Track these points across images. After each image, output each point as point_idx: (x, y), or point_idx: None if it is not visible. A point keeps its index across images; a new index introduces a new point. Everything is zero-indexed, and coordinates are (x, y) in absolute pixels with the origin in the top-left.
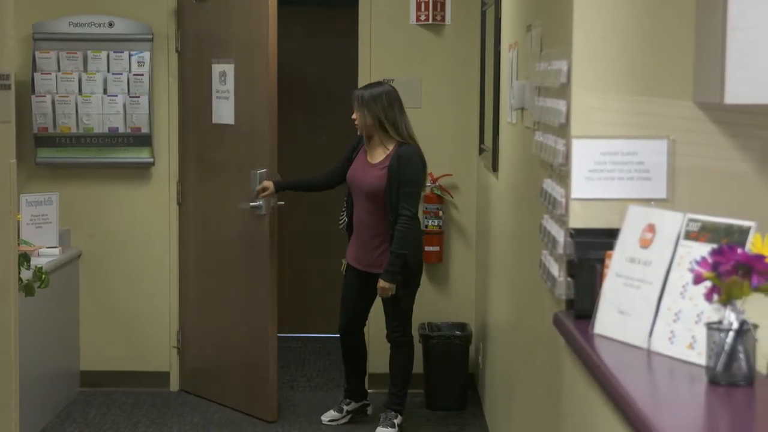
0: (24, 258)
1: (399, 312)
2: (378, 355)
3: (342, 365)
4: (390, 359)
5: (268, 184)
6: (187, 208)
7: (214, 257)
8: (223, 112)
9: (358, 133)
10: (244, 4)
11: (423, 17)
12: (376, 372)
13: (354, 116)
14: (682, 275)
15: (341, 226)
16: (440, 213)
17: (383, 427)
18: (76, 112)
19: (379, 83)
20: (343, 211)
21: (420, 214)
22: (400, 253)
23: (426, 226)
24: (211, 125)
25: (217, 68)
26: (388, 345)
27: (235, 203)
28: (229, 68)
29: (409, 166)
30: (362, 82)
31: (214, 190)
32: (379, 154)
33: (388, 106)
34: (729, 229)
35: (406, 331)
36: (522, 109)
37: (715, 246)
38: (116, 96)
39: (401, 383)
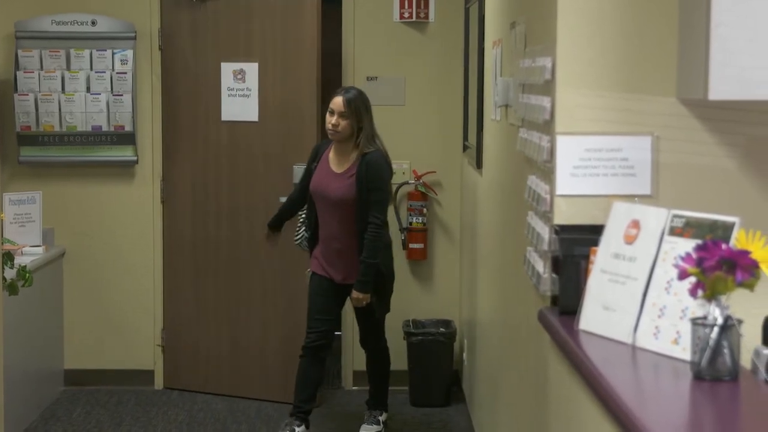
0: (8, 257)
1: (373, 321)
2: (361, 352)
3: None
4: (367, 365)
5: (267, 230)
6: (176, 206)
7: (224, 254)
8: (241, 109)
9: (335, 140)
10: (278, 3)
11: (406, 14)
12: (361, 369)
13: (335, 121)
14: (666, 271)
15: (298, 242)
16: (424, 210)
17: (368, 424)
18: (59, 110)
19: (355, 87)
20: (300, 227)
21: (404, 212)
22: (372, 262)
23: (410, 224)
24: (220, 123)
25: (230, 66)
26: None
27: (263, 198)
28: (250, 66)
29: (378, 173)
30: (346, 80)
31: (226, 186)
32: (344, 162)
33: (370, 114)
34: (713, 225)
35: (380, 337)
36: (506, 106)
37: (699, 242)
38: (99, 94)
39: (381, 385)
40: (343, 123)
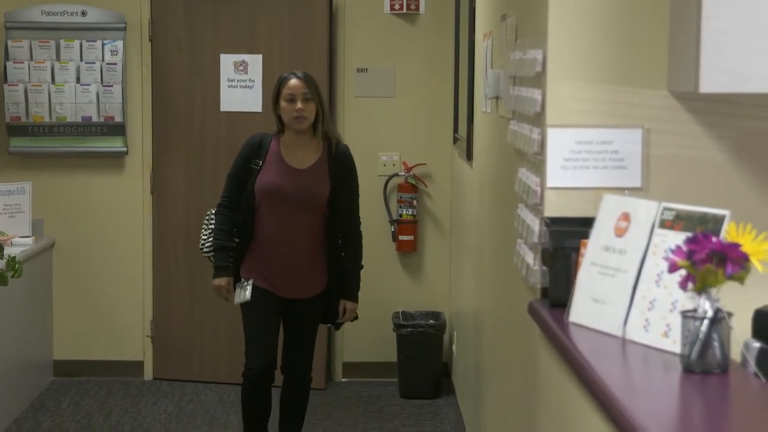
0: None
1: (313, 340)
2: (353, 342)
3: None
4: (292, 397)
5: (221, 282)
6: (167, 198)
7: None
8: (243, 100)
9: (301, 129)
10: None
11: (397, 6)
12: (351, 360)
13: (301, 106)
14: (656, 263)
15: (207, 249)
16: (414, 202)
17: None
18: (49, 101)
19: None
20: (208, 233)
21: (394, 203)
22: (362, 266)
23: (400, 216)
24: (219, 113)
25: (230, 58)
26: (292, 376)
27: None
28: (254, 58)
29: (353, 164)
30: (337, 71)
31: (223, 176)
32: (309, 155)
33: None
34: (703, 218)
35: (312, 362)
36: (497, 98)
37: (689, 234)
38: (89, 85)
39: (301, 424)
40: (308, 107)
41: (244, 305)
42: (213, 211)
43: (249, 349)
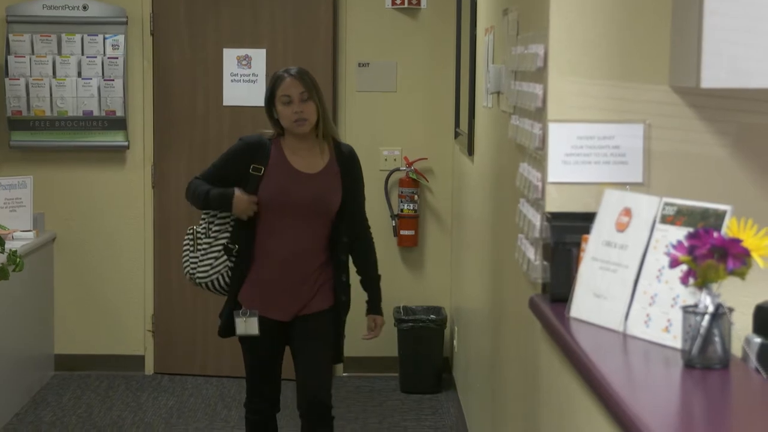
0: None
1: (329, 363)
2: (354, 337)
3: None
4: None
5: (240, 197)
6: (168, 191)
7: None
8: (245, 94)
9: (302, 131)
10: None
11: (399, 1)
12: (352, 355)
13: (298, 108)
14: (658, 259)
15: (207, 277)
16: (415, 197)
17: None
18: (50, 95)
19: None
20: (189, 250)
21: (395, 198)
22: (379, 275)
23: (401, 210)
24: (222, 107)
25: (233, 53)
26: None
27: None
28: (257, 53)
29: (360, 167)
30: (338, 66)
31: None
32: (317, 158)
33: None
34: (705, 213)
35: (331, 392)
36: (498, 93)
37: (691, 230)
38: (90, 79)
39: None
40: (308, 107)
41: (243, 339)
42: (193, 228)
43: (251, 386)
